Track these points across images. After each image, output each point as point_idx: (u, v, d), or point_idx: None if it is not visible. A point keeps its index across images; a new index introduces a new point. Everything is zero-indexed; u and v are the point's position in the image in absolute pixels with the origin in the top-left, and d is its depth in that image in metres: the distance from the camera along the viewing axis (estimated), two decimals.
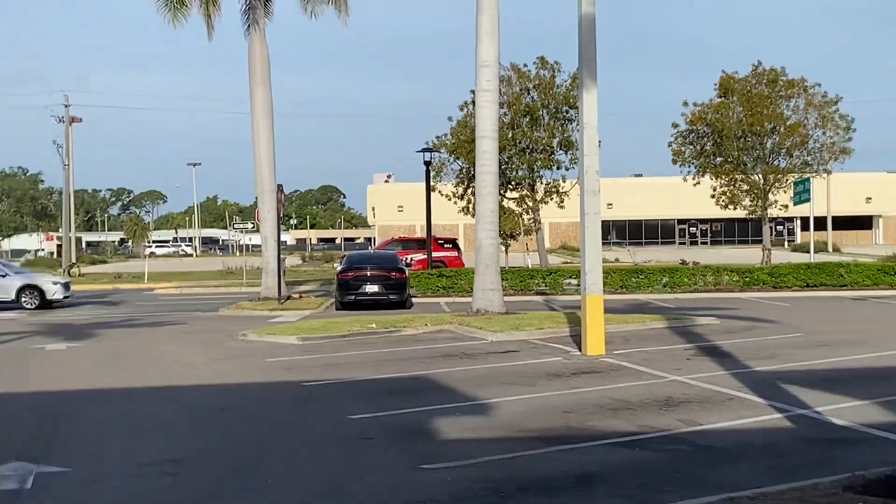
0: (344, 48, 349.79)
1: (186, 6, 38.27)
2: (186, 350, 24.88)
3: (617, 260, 69.33)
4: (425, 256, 54.64)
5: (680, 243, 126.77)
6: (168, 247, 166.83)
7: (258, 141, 39.59)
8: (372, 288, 36.69)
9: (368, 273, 37.09)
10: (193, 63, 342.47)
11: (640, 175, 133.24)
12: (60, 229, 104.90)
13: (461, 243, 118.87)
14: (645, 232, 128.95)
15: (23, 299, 42.20)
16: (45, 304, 42.22)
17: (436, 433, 14.00)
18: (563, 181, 53.57)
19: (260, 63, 39.45)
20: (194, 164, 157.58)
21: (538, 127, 52.53)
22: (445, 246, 59.53)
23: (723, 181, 55.74)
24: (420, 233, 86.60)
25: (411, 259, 55.89)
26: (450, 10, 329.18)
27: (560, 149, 51.93)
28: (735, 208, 57.22)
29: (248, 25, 39.64)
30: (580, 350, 22.36)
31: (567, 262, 70.33)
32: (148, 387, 19.18)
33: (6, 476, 11.76)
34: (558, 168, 52.88)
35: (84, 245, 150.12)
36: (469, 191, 51.25)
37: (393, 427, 14.44)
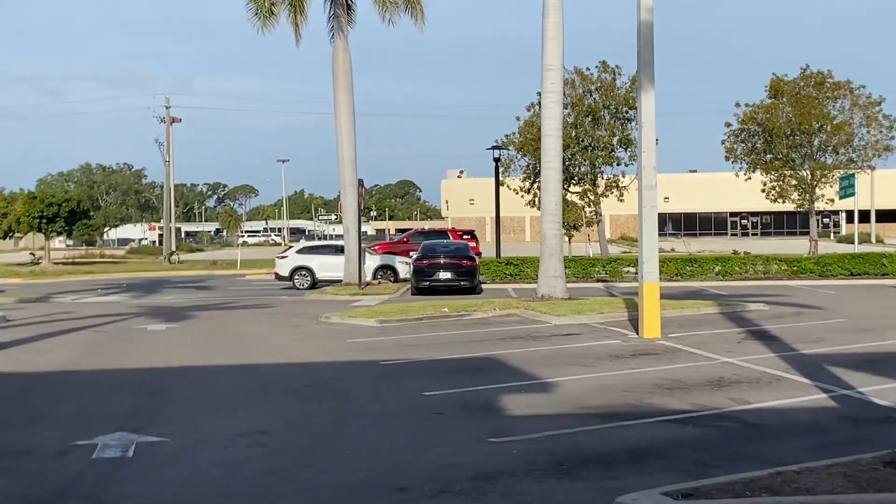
0: (420, 52, 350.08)
1: (275, 15, 38.51)
2: (273, 331, 25.03)
3: (673, 250, 68.84)
4: None
5: (732, 234, 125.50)
6: (259, 236, 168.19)
7: (341, 139, 39.75)
8: (445, 275, 36.72)
9: (441, 261, 37.14)
10: (282, 67, 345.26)
11: (696, 171, 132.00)
12: (161, 220, 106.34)
13: (527, 234, 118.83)
14: (699, 224, 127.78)
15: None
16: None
17: (502, 409, 13.95)
18: (623, 176, 53.34)
19: (343, 67, 39.57)
20: (283, 161, 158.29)
21: (600, 126, 52.36)
22: (464, 237, 59.57)
23: (772, 177, 55.20)
24: (490, 225, 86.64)
25: None
26: (518, 16, 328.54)
27: (620, 146, 51.73)
28: (784, 202, 56.63)
29: (333, 32, 39.78)
30: (637, 333, 22.18)
31: (626, 252, 69.85)
32: (238, 364, 19.32)
33: (110, 445, 11.89)
34: (618, 164, 52.75)
35: (183, 234, 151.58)
36: (535, 185, 51.11)
37: (463, 403, 14.41)
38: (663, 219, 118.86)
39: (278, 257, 46.11)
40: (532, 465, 10.59)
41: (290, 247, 49.92)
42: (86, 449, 11.70)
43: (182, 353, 20.87)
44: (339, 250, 42.38)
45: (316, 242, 59.09)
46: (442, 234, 59.97)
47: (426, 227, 71.78)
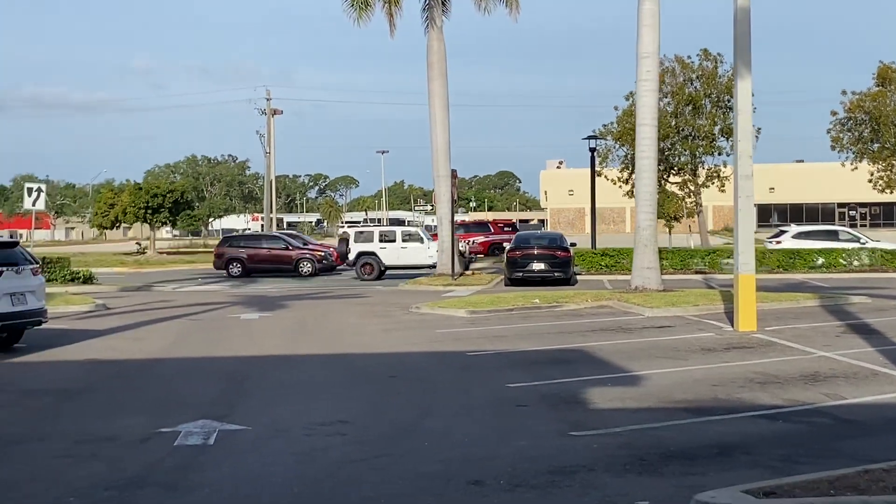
0: (515, 41, 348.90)
1: (370, 6, 38.69)
2: (364, 321, 25.10)
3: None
4: (486, 238, 55.08)
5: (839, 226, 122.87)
6: (358, 227, 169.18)
7: (435, 129, 39.74)
8: (538, 266, 36.48)
9: (535, 252, 36.89)
10: (379, 58, 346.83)
11: (801, 161, 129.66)
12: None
13: (627, 225, 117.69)
14: (805, 215, 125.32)
15: None
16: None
17: (587, 402, 13.76)
18: (724, 166, 52.53)
19: (437, 57, 39.55)
20: (382, 152, 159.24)
21: (700, 115, 51.75)
22: (506, 230, 59.41)
23: (880, 166, 53.84)
24: (588, 216, 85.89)
25: (473, 241, 56.09)
26: (617, 2, 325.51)
27: (721, 136, 51.05)
28: (892, 192, 55.15)
29: (427, 23, 39.77)
30: (732, 326, 21.76)
31: (728, 243, 68.67)
32: (325, 353, 19.41)
33: (193, 432, 11.98)
34: (719, 154, 52.01)
35: (284, 225, 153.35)
36: (633, 175, 50.51)
37: (547, 395, 14.25)
38: (768, 210, 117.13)
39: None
40: (612, 460, 10.40)
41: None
42: (169, 436, 11.80)
43: (271, 342, 21.03)
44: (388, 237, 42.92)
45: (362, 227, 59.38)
46: (482, 225, 60.00)
47: (465, 220, 71.32)
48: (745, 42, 21.79)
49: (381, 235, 44.40)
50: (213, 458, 10.85)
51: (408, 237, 44.30)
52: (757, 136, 52.14)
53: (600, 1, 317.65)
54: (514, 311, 26.23)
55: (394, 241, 43.76)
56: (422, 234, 45.17)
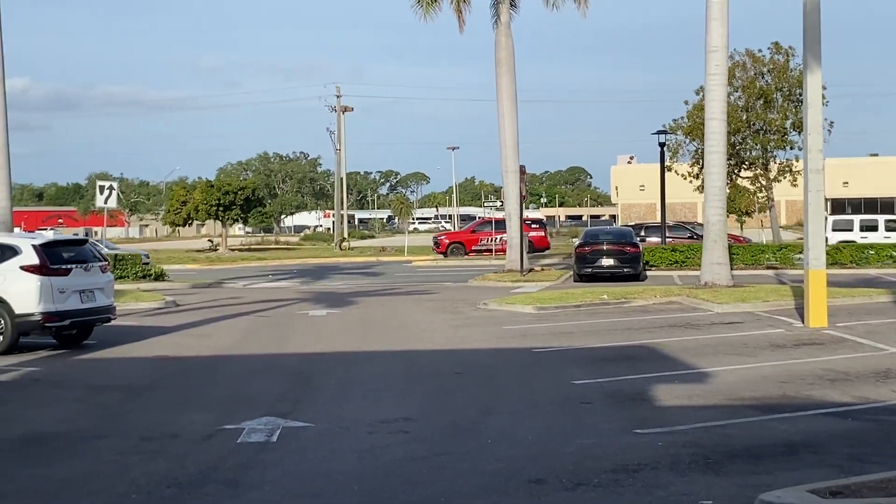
0: (584, 36, 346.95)
1: (438, 3, 38.66)
2: (431, 317, 25.07)
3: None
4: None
5: None
6: (429, 223, 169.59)
7: (503, 125, 39.62)
8: (607, 261, 36.22)
9: (604, 247, 36.64)
10: (448, 55, 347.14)
11: (876, 154, 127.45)
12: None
13: (698, 220, 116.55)
14: (881, 209, 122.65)
15: None
16: None
17: (652, 399, 13.60)
18: (796, 161, 51.69)
19: (505, 53, 39.43)
20: (453, 148, 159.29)
21: (772, 109, 51.02)
22: (533, 226, 58.77)
23: None
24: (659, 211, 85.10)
25: (500, 238, 55.62)
26: None
27: (793, 130, 50.20)
28: None
29: (495, 19, 39.66)
30: (803, 322, 21.41)
31: (800, 238, 67.76)
32: (392, 350, 19.41)
33: (256, 429, 12.02)
34: (791, 148, 51.19)
35: (356, 222, 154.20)
36: (703, 170, 50.00)
37: (612, 392, 14.11)
38: (842, 204, 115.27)
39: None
40: (676, 459, 10.26)
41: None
42: (232, 433, 11.86)
43: (338, 339, 21.08)
44: None
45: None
46: (500, 223, 59.66)
47: (493, 217, 70.79)
48: (815, 34, 21.43)
49: None
50: (276, 455, 10.87)
51: None
52: (829, 130, 51.23)
53: None
54: (582, 307, 26.06)
55: None
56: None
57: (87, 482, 9.94)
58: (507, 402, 13.68)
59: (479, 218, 68.05)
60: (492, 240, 55.93)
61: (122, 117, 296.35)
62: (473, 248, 56.41)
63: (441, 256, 57.11)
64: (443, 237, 59.03)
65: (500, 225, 58.17)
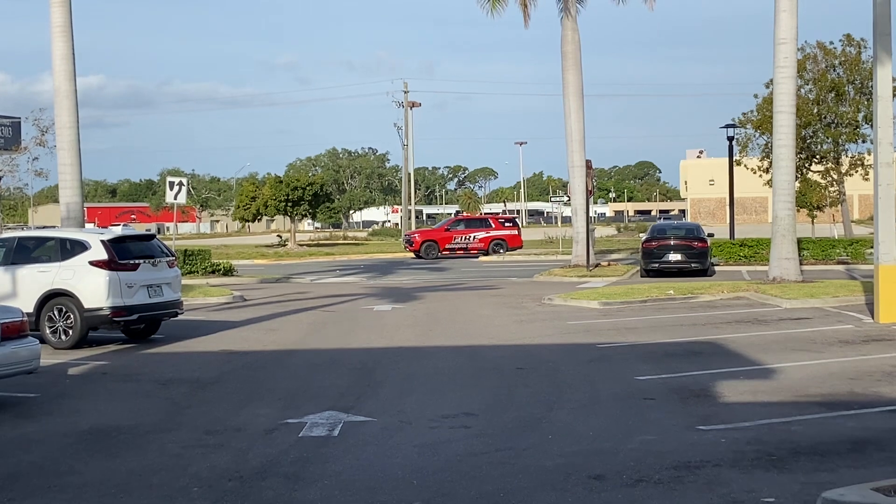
0: (651, 29, 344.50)
1: None
2: (495, 312, 25.02)
3: None
4: (488, 234, 54.42)
5: None
6: None
7: (569, 120, 39.40)
8: (675, 256, 35.92)
9: (671, 242, 36.33)
10: (516, 50, 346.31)
11: None
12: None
13: (769, 215, 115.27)
14: None
15: None
16: None
17: (716, 396, 13.45)
18: (869, 154, 50.90)
19: (571, 47, 39.19)
20: (521, 143, 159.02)
21: (843, 102, 50.32)
22: (506, 225, 58.21)
23: None
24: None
25: (473, 237, 55.14)
26: None
27: (865, 123, 49.42)
28: None
29: (561, 12, 39.43)
30: (873, 318, 21.07)
31: (873, 233, 66.78)
32: (455, 346, 19.38)
33: (318, 423, 12.08)
34: (863, 141, 50.44)
35: (424, 217, 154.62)
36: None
37: (675, 388, 13.97)
38: None
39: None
40: (739, 455, 10.14)
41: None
42: (294, 427, 11.93)
43: (403, 334, 21.12)
44: None
45: None
46: (483, 220, 59.09)
47: (465, 214, 70.06)
48: (885, 26, 21.11)
49: None
50: (336, 449, 10.90)
51: None
52: None
53: None
54: (648, 302, 25.87)
55: None
56: None
57: (151, 475, 10.04)
58: (569, 398, 13.61)
59: (452, 216, 67.04)
60: (465, 238, 55.75)
61: (196, 114, 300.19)
62: (447, 246, 55.53)
63: (413, 255, 56.22)
64: (416, 235, 57.95)
65: (472, 223, 57.99)
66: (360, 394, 14.21)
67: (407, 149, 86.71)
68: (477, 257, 54.63)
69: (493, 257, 55.22)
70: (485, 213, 78.91)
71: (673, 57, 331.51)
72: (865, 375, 14.59)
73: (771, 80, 49.71)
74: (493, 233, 56.35)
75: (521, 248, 57.06)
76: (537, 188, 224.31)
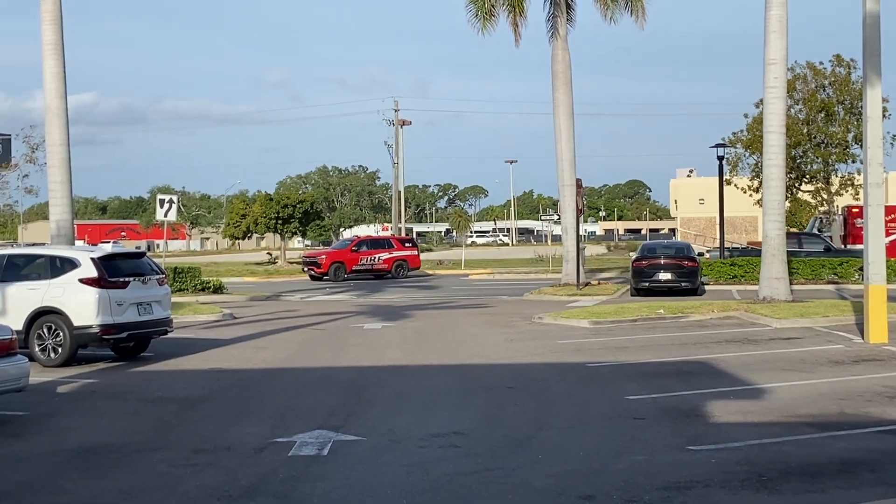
0: (642, 49, 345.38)
1: (494, 16, 38.58)
2: (485, 331, 25.01)
3: None
4: (391, 255, 54.66)
5: None
6: (487, 236, 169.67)
7: (560, 139, 39.50)
8: (665, 275, 35.97)
9: (661, 261, 36.39)
10: (505, 69, 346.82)
11: None
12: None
13: (759, 234, 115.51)
14: None
15: None
16: None
17: (707, 416, 13.44)
18: (859, 174, 51.08)
19: (562, 66, 39.31)
20: (511, 162, 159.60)
21: (833, 122, 50.56)
22: (406, 245, 58.26)
23: None
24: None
25: (378, 258, 55.14)
26: (745, 8, 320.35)
27: (855, 143, 49.66)
28: None
29: (551, 32, 39.55)
30: (863, 338, 21.09)
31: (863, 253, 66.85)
32: (445, 364, 19.37)
33: (307, 443, 12.04)
34: (853, 161, 50.64)
35: (414, 235, 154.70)
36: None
37: (666, 408, 13.97)
38: None
39: None
40: (729, 476, 10.13)
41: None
42: (283, 446, 11.89)
43: (392, 353, 21.08)
44: None
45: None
46: (385, 241, 59.06)
47: (369, 236, 69.61)
48: (875, 47, 21.19)
49: None
50: (326, 469, 10.87)
51: None
52: (892, 143, 50.72)
53: (727, 8, 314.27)
54: (638, 321, 25.88)
55: None
56: None
57: (140, 494, 10.00)
58: (560, 417, 13.60)
59: (356, 237, 66.22)
60: (370, 259, 55.60)
61: (188, 131, 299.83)
62: (354, 267, 54.86)
63: (323, 276, 54.20)
64: (323, 256, 57.18)
65: (375, 244, 57.89)
66: (350, 412, 14.18)
67: (397, 167, 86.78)
68: (383, 277, 54.83)
69: (485, 276, 55.28)
70: (386, 235, 78.83)
71: (663, 76, 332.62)
72: (856, 395, 14.59)
73: (761, 100, 49.85)
74: (395, 253, 56.27)
75: (419, 269, 57.45)
76: (527, 206, 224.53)
